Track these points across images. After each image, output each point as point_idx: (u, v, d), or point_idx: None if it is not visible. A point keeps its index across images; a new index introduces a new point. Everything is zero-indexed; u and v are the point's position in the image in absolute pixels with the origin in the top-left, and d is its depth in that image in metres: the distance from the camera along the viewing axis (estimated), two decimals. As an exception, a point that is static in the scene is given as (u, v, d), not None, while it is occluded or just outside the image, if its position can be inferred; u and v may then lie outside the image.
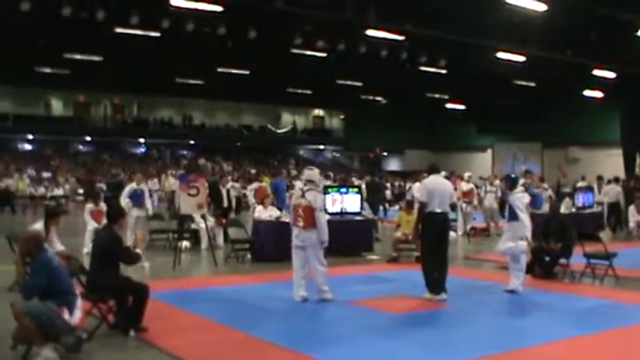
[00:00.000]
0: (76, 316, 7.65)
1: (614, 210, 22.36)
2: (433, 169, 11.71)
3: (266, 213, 16.37)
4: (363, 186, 21.74)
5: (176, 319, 9.62)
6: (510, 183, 12.35)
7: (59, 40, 30.71)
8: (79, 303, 7.86)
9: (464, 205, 21.72)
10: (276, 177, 24.23)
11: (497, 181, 23.31)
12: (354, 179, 29.30)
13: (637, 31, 26.24)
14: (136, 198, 17.81)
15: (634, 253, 16.14)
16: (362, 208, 17.42)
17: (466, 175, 23.81)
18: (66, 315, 7.42)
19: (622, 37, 27.96)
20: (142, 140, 52.29)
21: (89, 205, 16.69)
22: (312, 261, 10.73)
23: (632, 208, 20.82)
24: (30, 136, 48.06)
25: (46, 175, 41.85)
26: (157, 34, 28.16)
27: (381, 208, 26.22)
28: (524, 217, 11.63)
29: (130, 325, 8.48)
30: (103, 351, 7.96)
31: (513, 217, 11.88)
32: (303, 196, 10.86)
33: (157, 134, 51.21)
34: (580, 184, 24.67)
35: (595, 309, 10.79)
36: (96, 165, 46.17)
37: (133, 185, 18.26)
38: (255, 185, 21.47)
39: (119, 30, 27.43)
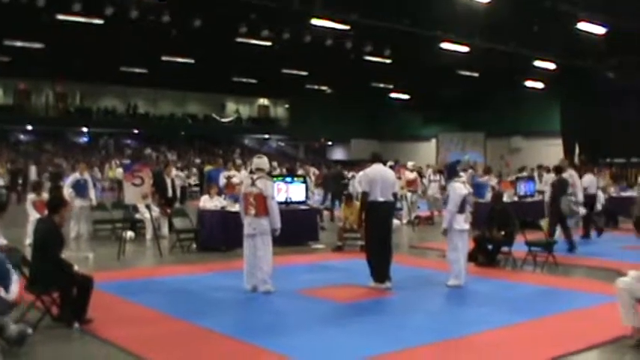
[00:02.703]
0: (13, 291, 7.55)
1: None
2: (375, 159, 11.77)
3: (211, 202, 16.33)
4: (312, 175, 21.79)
5: (121, 310, 9.55)
6: (449, 172, 12.42)
7: (-1, 27, 30.14)
8: (16, 277, 7.76)
9: (409, 194, 21.91)
10: (211, 166, 24.11)
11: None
12: (311, 169, 29.25)
13: (577, 23, 26.68)
14: (80, 188, 17.63)
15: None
16: (307, 197, 17.51)
17: (410, 164, 24.05)
18: (1, 292, 7.33)
19: (562, 29, 28.42)
20: (85, 129, 51.53)
21: (31, 196, 16.44)
22: (260, 249, 10.72)
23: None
24: (-32, 125, 47.10)
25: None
26: (101, 22, 27.84)
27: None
28: (448, 208, 11.59)
29: (74, 316, 8.39)
30: (47, 343, 7.89)
31: None
32: (253, 184, 10.83)
33: (101, 123, 50.49)
34: (518, 175, 24.92)
35: (536, 295, 11.04)
36: (38, 154, 45.40)
37: (77, 175, 18.05)
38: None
39: (61, 17, 27.02)
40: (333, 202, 23.03)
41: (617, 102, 36.69)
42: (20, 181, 30.99)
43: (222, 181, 17.96)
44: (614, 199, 21.74)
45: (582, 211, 17.71)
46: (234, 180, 17.48)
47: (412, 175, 22.92)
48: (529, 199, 21.30)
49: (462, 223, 11.52)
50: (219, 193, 17.08)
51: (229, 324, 8.87)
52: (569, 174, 16.95)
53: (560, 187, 16.06)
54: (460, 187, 11.60)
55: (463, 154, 48.68)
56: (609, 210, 21.39)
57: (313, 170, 29.39)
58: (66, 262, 8.60)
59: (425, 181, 24.52)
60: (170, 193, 18.39)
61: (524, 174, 25.11)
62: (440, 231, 12.16)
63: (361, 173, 13.47)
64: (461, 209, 11.45)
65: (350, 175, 25.05)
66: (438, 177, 23.36)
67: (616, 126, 36.76)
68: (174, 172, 21.00)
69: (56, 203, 9.03)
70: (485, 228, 13.69)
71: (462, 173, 13.14)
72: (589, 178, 19.72)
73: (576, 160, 38.49)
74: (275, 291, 10.67)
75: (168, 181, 18.47)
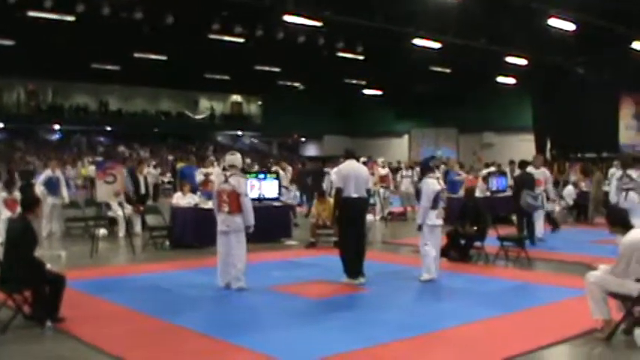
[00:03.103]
0: None
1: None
2: (349, 155, 11.84)
3: (184, 200, 16.31)
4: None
5: (94, 309, 9.53)
6: (423, 168, 12.49)
7: (-33, 24, 29.81)
8: None
9: (381, 190, 21.99)
10: (184, 163, 24.04)
11: (417, 168, 23.62)
12: (286, 165, 29.19)
13: (547, 18, 26.88)
14: (52, 185, 17.53)
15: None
16: (280, 194, 17.55)
17: (380, 160, 24.14)
18: None
19: (533, 25, 28.61)
20: (57, 127, 51.14)
21: (2, 194, 16.30)
22: (234, 246, 10.72)
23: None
24: (-62, 123, 46.57)
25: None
26: (72, 19, 27.59)
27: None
28: (422, 204, 11.67)
29: (47, 315, 8.36)
30: (19, 342, 7.86)
31: None
32: (226, 181, 10.82)
33: (73, 121, 50.07)
34: (488, 170, 25.00)
35: (508, 290, 11.15)
36: (9, 152, 44.97)
37: (48, 172, 17.93)
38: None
39: (32, 13, 26.78)
40: (311, 198, 23.02)
41: (587, 97, 36.91)
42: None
43: (199, 177, 17.91)
44: (585, 193, 21.92)
45: (549, 206, 17.99)
46: (212, 177, 17.47)
47: (384, 171, 23.01)
48: (501, 195, 21.42)
49: (434, 218, 11.59)
50: (193, 190, 17.05)
51: (203, 321, 8.88)
52: (541, 171, 17.12)
53: (522, 183, 16.19)
54: (434, 183, 11.67)
55: (436, 150, 48.90)
56: (580, 204, 21.66)
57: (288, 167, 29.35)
58: (38, 260, 8.56)
59: (397, 176, 24.62)
60: (143, 190, 18.33)
61: (493, 169, 25.23)
62: (413, 226, 12.24)
63: (335, 169, 13.51)
64: (434, 205, 11.52)
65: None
66: (410, 172, 23.48)
67: (586, 121, 36.98)
68: (147, 169, 20.92)
69: (31, 202, 9.01)
70: (458, 223, 13.79)
71: (436, 170, 13.22)
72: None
73: (548, 155, 38.92)
74: (248, 288, 10.67)
75: (141, 179, 18.40)
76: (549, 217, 18.51)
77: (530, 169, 16.80)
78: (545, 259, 14.13)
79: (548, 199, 17.63)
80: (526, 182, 16.10)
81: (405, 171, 24.27)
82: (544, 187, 16.92)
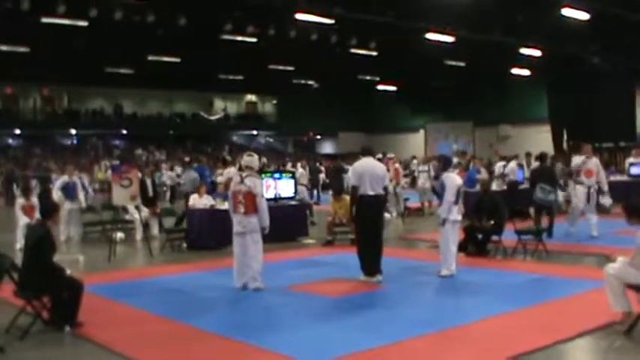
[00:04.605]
0: None
1: None
2: (365, 152, 11.79)
3: (201, 201, 16.33)
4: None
5: (113, 313, 9.55)
6: (444, 163, 12.44)
7: (-18, 32, 29.98)
8: None
9: (392, 187, 21.92)
10: (196, 165, 24.10)
11: (434, 162, 23.54)
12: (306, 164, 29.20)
13: (561, 9, 26.70)
14: (69, 190, 17.60)
15: (562, 227, 16.52)
16: (296, 192, 17.55)
17: (389, 156, 24.10)
18: None
19: (547, 16, 28.43)
20: (73, 132, 51.45)
21: (20, 200, 16.40)
22: (251, 247, 10.72)
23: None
24: (-44, 131, 46.94)
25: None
26: (85, 24, 27.69)
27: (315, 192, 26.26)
28: (446, 198, 11.59)
29: (66, 320, 8.39)
30: (38, 348, 7.89)
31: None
32: (242, 182, 10.82)
33: (89, 125, 50.46)
34: (501, 163, 24.75)
35: (527, 284, 11.09)
36: (26, 158, 45.23)
37: (65, 178, 18.02)
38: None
39: (46, 20, 26.90)
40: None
41: (602, 86, 36.70)
42: (15, 186, 30.83)
43: (220, 179, 17.93)
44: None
45: (604, 200, 17.14)
46: (220, 179, 17.51)
47: (396, 166, 22.97)
48: (519, 187, 21.28)
49: (456, 214, 11.57)
50: (209, 192, 17.06)
51: (220, 323, 8.87)
52: (593, 160, 16.13)
53: (537, 176, 16.03)
54: (456, 178, 11.67)
55: (452, 144, 48.72)
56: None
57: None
58: (58, 265, 8.59)
59: (415, 171, 24.60)
60: (151, 193, 18.34)
61: (513, 163, 25.01)
62: (430, 222, 12.21)
63: (351, 167, 13.47)
64: (455, 200, 11.50)
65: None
66: (426, 167, 23.39)
67: (603, 111, 36.75)
68: (166, 172, 21.01)
69: (50, 209, 9.07)
70: (475, 218, 13.73)
71: (455, 161, 13.14)
72: (511, 166, 20.12)
73: (564, 145, 38.73)
74: (265, 288, 10.67)
75: (149, 182, 18.44)
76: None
77: (576, 159, 16.39)
78: (564, 252, 14.05)
79: (600, 191, 16.25)
80: (541, 175, 15.97)
81: (422, 166, 24.19)
82: (596, 178, 15.99)
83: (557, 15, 27.39)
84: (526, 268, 12.42)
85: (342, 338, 7.95)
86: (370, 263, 11.25)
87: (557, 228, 16.25)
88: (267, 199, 11.43)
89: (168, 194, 30.05)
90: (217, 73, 45.55)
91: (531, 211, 15.37)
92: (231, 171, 16.91)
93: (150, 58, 37.89)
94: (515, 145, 42.94)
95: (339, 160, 26.47)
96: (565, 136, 40.55)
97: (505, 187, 21.00)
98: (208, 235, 15.38)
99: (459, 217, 11.73)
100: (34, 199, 16.29)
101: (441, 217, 11.77)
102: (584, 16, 27.66)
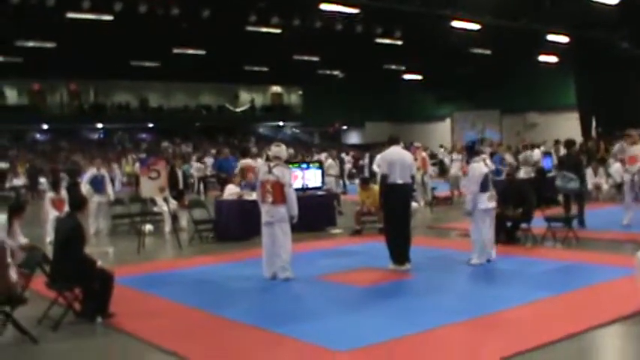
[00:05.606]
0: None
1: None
2: (393, 141, 11.73)
3: (227, 192, 16.34)
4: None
5: (143, 304, 9.60)
6: (469, 152, 12.35)
7: (10, 29, 30.14)
8: None
9: (419, 175, 21.80)
10: (220, 156, 24.11)
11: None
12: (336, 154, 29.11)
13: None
14: (97, 184, 17.69)
15: (592, 215, 16.33)
16: (324, 183, 17.54)
17: (416, 145, 24.04)
18: None
19: (574, 1, 28.17)
20: (99, 125, 51.77)
21: (50, 194, 16.51)
22: (279, 237, 10.73)
23: (589, 171, 21.01)
24: (-15, 126, 47.31)
25: (3, 165, 41.12)
26: (110, 18, 27.83)
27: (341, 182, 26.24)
28: (471, 189, 11.56)
29: (97, 311, 8.46)
30: (71, 339, 7.95)
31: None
32: (270, 172, 10.81)
33: (115, 119, 50.72)
34: (526, 153, 24.55)
35: (557, 271, 11.01)
36: (54, 153, 45.56)
37: (94, 171, 18.10)
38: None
39: (71, 15, 27.08)
40: None
41: (631, 72, 36.29)
42: (41, 180, 31.11)
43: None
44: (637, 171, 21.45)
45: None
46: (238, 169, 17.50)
47: (423, 154, 22.90)
48: (547, 175, 21.14)
49: (486, 201, 11.45)
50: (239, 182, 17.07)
51: (250, 313, 8.88)
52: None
53: (562, 163, 15.84)
54: (480, 167, 11.53)
55: (478, 133, 48.41)
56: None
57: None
58: (89, 257, 8.65)
59: (446, 160, 24.51)
60: (181, 185, 18.40)
61: (537, 151, 24.83)
62: (460, 211, 12.12)
63: (379, 156, 13.42)
64: (483, 188, 11.39)
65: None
66: (460, 156, 23.30)
67: (631, 97, 36.34)
68: (194, 164, 21.04)
69: (79, 202, 9.16)
70: (503, 206, 13.62)
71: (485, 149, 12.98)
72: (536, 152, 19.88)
73: (593, 132, 38.37)
74: (295, 278, 10.69)
75: (180, 173, 18.51)
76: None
77: (617, 146, 15.99)
78: (594, 239, 13.90)
79: None
80: (564, 163, 15.79)
81: (456, 155, 24.13)
82: None
83: (584, 0, 27.13)
84: (556, 256, 12.33)
85: (373, 326, 7.93)
86: (399, 252, 11.22)
87: (592, 216, 16.00)
88: (295, 190, 11.40)
89: (195, 186, 30.19)
90: (242, 64, 45.55)
91: (560, 198, 15.24)
92: (259, 162, 16.87)
93: (175, 51, 38.01)
94: (544, 132, 42.68)
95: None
96: (594, 123, 40.16)
97: (533, 175, 20.84)
98: (236, 225, 15.39)
99: (490, 205, 11.59)
100: (64, 193, 16.37)
101: (466, 208, 11.73)
102: (612, 0, 27.36)
